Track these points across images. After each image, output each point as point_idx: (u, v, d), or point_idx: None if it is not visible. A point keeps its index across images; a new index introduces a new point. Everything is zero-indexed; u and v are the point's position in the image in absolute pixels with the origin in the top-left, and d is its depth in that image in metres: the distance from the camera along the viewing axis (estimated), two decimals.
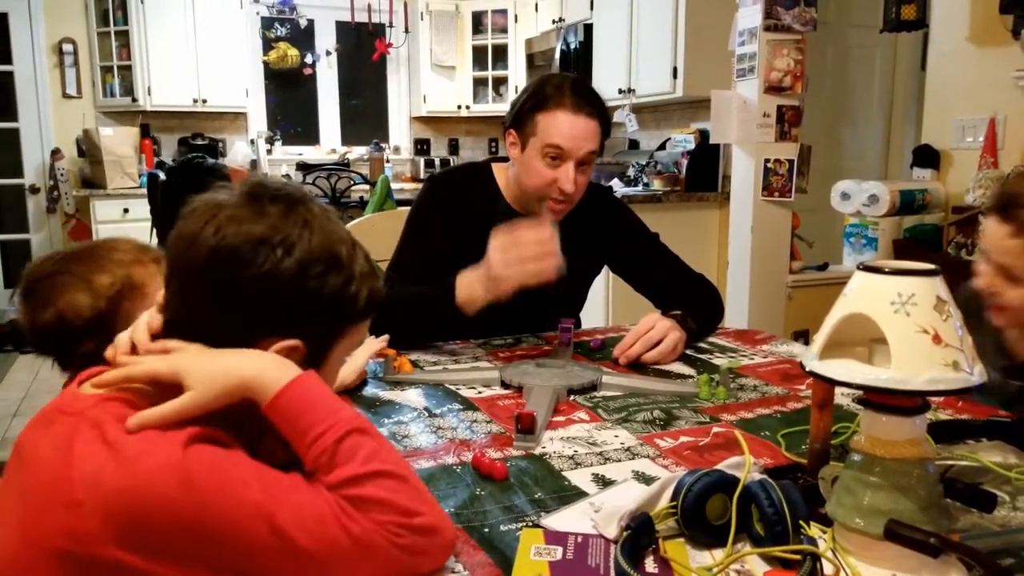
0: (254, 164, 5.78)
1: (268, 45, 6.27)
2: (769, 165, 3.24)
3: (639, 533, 0.75)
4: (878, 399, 0.71)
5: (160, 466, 0.65)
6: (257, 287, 0.75)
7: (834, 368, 0.71)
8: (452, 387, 1.32)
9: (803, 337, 3.24)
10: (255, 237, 0.75)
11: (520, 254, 1.37)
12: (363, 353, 1.33)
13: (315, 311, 0.78)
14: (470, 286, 1.45)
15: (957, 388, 0.67)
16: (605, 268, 1.85)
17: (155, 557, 0.64)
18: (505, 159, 1.72)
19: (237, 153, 5.78)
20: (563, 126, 1.52)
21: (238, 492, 0.66)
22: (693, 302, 1.62)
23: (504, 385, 1.32)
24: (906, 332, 0.67)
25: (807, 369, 0.73)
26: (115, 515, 0.64)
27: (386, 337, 1.41)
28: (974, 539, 0.78)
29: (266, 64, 6.26)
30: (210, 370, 0.74)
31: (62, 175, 5.39)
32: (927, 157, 3.30)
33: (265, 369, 0.75)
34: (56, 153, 5.41)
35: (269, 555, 0.66)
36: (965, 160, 3.15)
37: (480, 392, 1.30)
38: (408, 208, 1.77)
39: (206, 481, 0.66)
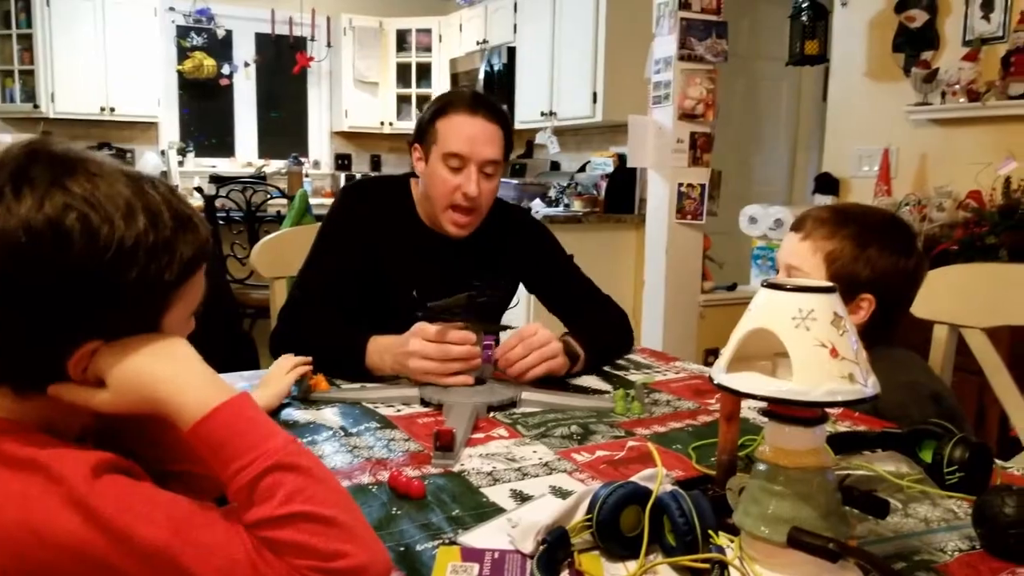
0: (164, 175, 5.60)
1: (183, 54, 6.10)
2: (682, 189, 3.35)
3: (555, 547, 0.76)
4: (781, 410, 0.75)
5: (63, 504, 0.60)
6: (24, 300, 0.63)
7: (740, 381, 0.74)
8: (370, 405, 1.30)
9: (714, 355, 3.34)
10: (13, 238, 0.62)
11: (442, 367, 1.34)
12: (287, 379, 1.29)
13: (113, 308, 0.66)
14: (380, 356, 1.42)
15: (853, 399, 0.70)
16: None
17: None
18: None
19: (147, 164, 5.59)
20: (462, 128, 1.54)
21: (145, 530, 0.61)
22: (600, 327, 1.64)
23: (423, 403, 1.31)
24: (806, 346, 0.71)
25: (715, 382, 0.76)
26: (7, 557, 0.59)
27: (307, 360, 1.36)
28: (870, 544, 0.82)
29: (180, 74, 6.09)
30: (129, 373, 0.68)
31: None
32: (828, 184, 3.48)
33: (189, 388, 0.68)
34: None
35: None
36: (862, 188, 3.34)
37: (399, 410, 1.29)
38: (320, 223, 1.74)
39: (112, 519, 0.60)
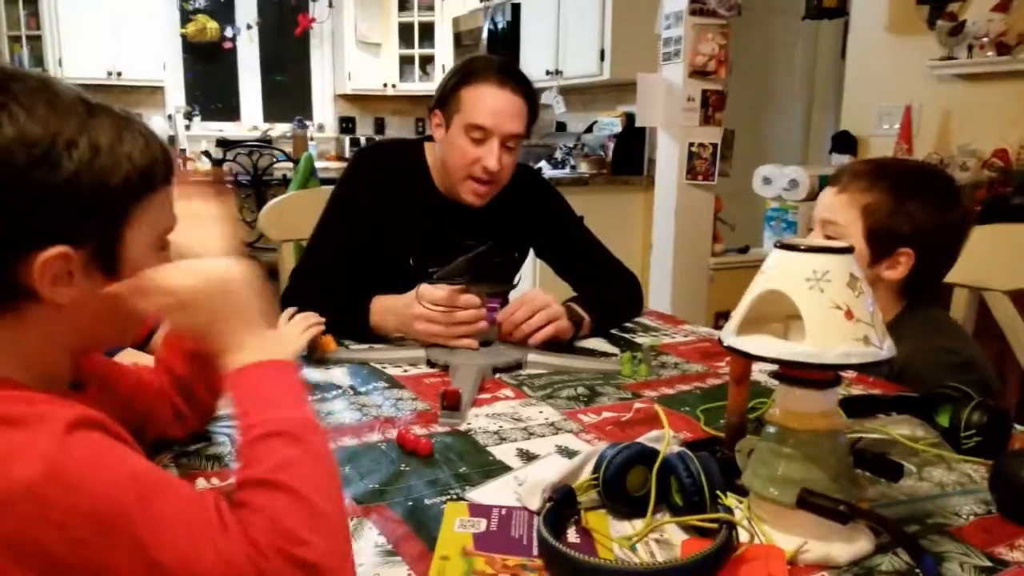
0: (172, 140, 5.57)
1: (186, 17, 6.03)
2: (693, 149, 3.30)
3: (561, 505, 0.76)
4: (792, 373, 0.73)
5: (28, 455, 0.57)
6: None
7: (751, 343, 0.72)
8: (377, 365, 1.30)
9: (724, 318, 3.32)
10: None
11: (448, 331, 1.34)
12: (301, 339, 1.28)
13: (59, 204, 0.64)
14: (383, 316, 1.42)
15: (868, 362, 0.69)
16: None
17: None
18: None
19: (154, 128, 5.55)
20: (487, 101, 1.49)
21: (105, 491, 0.58)
22: (608, 291, 1.62)
23: (430, 364, 1.31)
24: (820, 308, 0.69)
25: (725, 344, 0.74)
26: None
27: (321, 320, 1.34)
28: (882, 507, 0.81)
29: (184, 37, 6.03)
30: (202, 295, 0.70)
31: None
32: (846, 143, 3.42)
33: (248, 336, 0.71)
34: None
35: (124, 562, 0.57)
36: (882, 146, 3.27)
37: (406, 371, 1.28)
38: (332, 187, 1.72)
39: (72, 474, 0.57)
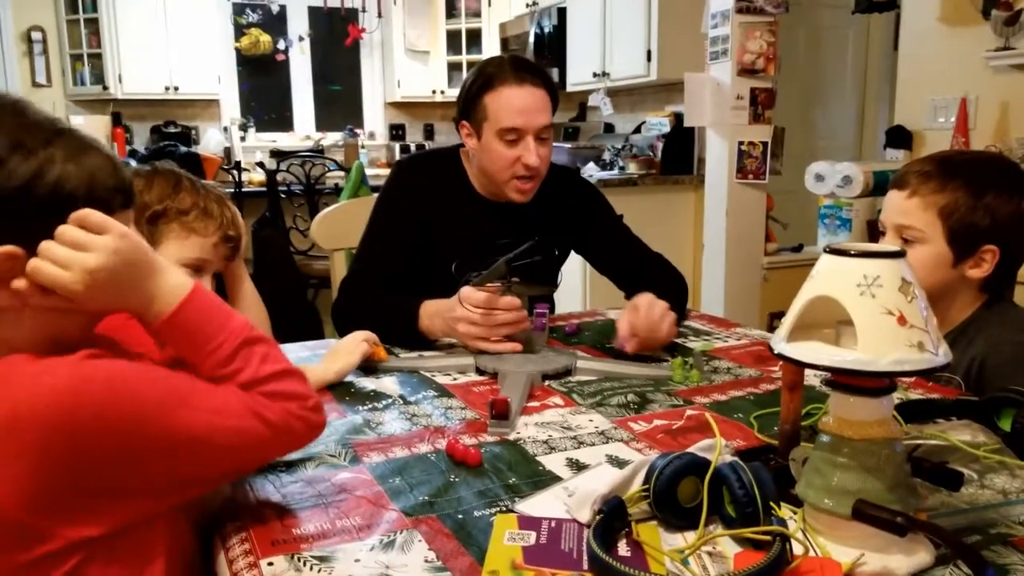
0: (227, 151, 5.71)
1: (240, 31, 6.18)
2: (743, 147, 3.25)
3: (612, 517, 0.75)
4: (845, 380, 0.72)
5: (56, 392, 0.68)
6: None
7: (801, 350, 0.71)
8: (427, 374, 1.31)
9: (779, 318, 3.26)
10: None
11: (489, 332, 1.36)
12: (355, 355, 1.30)
13: (13, 206, 0.69)
14: (431, 320, 1.45)
15: (922, 369, 0.67)
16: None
17: (62, 489, 0.68)
18: None
19: (210, 141, 5.71)
20: (512, 102, 1.52)
21: (151, 405, 0.72)
22: (659, 286, 1.62)
23: (479, 371, 1.32)
24: (872, 314, 0.67)
25: (775, 352, 0.74)
26: (19, 453, 0.66)
27: (374, 338, 1.36)
28: (941, 517, 0.79)
29: (238, 51, 6.18)
30: (104, 272, 0.72)
31: None
32: (900, 137, 3.33)
33: (162, 287, 0.77)
34: None
35: (191, 458, 0.74)
36: (937, 140, 3.18)
37: (455, 379, 1.29)
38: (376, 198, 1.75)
39: (115, 393, 0.70)
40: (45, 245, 0.71)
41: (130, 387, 0.71)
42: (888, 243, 1.30)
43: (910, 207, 1.27)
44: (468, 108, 1.58)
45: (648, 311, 1.37)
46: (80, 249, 0.71)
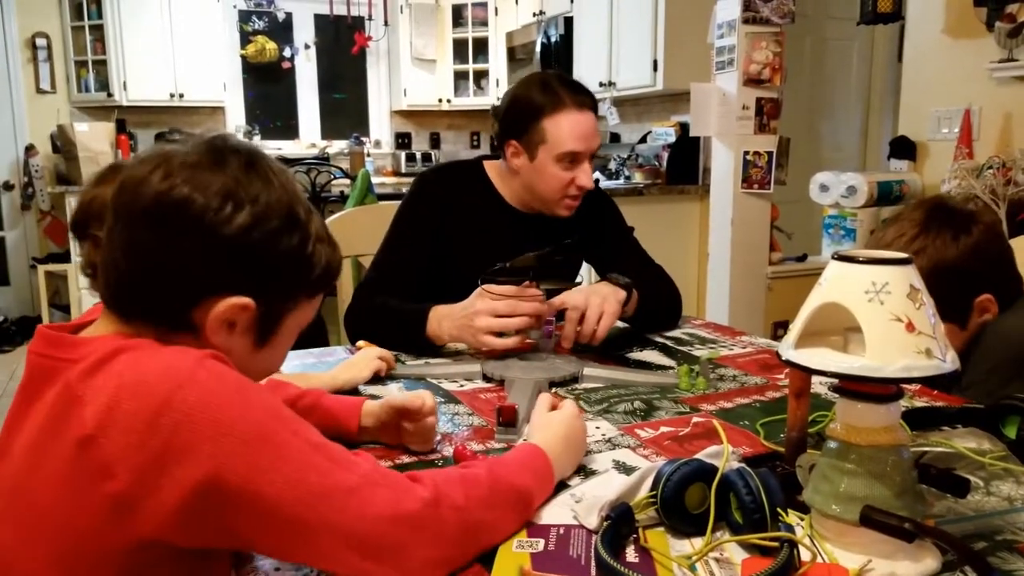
0: None
1: (246, 39, 6.22)
2: (748, 157, 3.26)
3: (619, 523, 0.76)
4: (853, 387, 0.72)
5: (174, 386, 0.65)
6: (204, 239, 0.71)
7: (809, 357, 0.71)
8: (434, 380, 1.32)
9: (783, 328, 3.26)
10: (210, 188, 0.71)
11: (510, 323, 1.36)
12: (367, 369, 1.30)
13: (267, 269, 0.75)
14: (439, 323, 1.45)
15: (930, 375, 0.67)
16: None
17: (160, 478, 0.64)
18: (494, 156, 1.72)
19: None
20: (575, 128, 1.54)
21: (256, 412, 0.68)
22: (645, 293, 1.61)
23: (486, 378, 1.32)
24: (880, 320, 0.68)
25: (783, 358, 0.74)
26: (130, 442, 0.64)
27: (388, 355, 1.37)
28: (948, 524, 0.79)
29: (244, 58, 6.21)
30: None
31: (37, 171, 5.32)
32: (904, 148, 3.33)
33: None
34: (30, 149, 5.34)
35: (278, 479, 0.66)
36: (941, 151, 3.19)
37: (462, 385, 1.30)
38: (389, 203, 1.76)
39: (225, 394, 0.67)
40: None
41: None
42: None
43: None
44: (521, 129, 1.57)
45: (583, 296, 1.43)
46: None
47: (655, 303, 1.63)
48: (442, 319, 1.44)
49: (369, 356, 1.33)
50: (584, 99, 1.56)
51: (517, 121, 1.58)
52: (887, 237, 1.33)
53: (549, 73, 1.66)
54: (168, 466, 0.63)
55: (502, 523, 0.76)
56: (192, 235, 0.71)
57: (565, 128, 1.53)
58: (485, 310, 1.37)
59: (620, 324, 1.66)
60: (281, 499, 0.65)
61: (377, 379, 1.32)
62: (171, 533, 0.65)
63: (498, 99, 6.08)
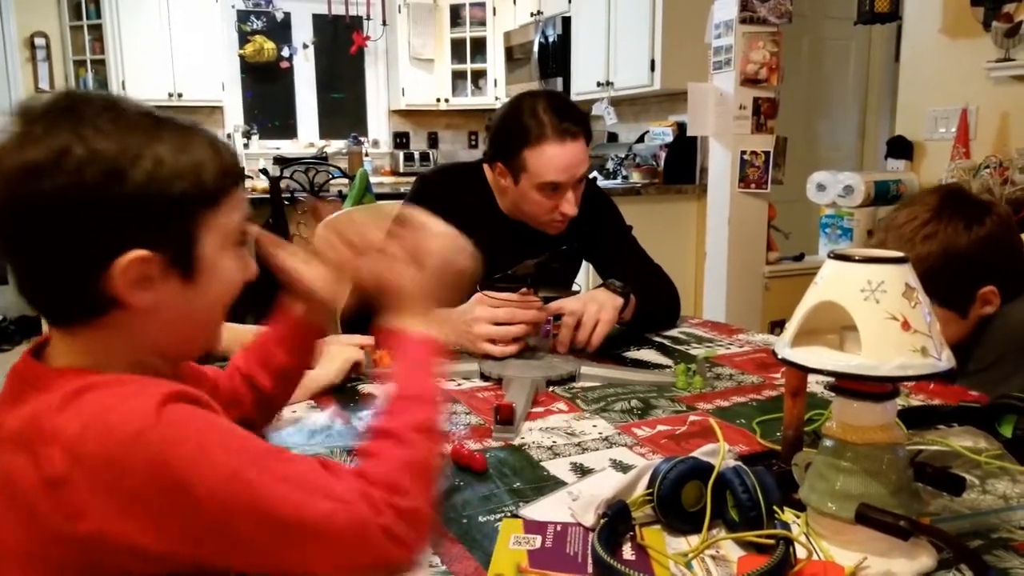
0: None
1: (244, 38, 6.21)
2: (746, 157, 3.26)
3: (616, 521, 0.76)
4: (849, 385, 0.72)
5: (138, 435, 0.62)
6: (56, 216, 0.66)
7: (805, 355, 0.72)
8: None
9: (780, 327, 3.27)
10: (19, 169, 0.65)
11: (507, 331, 1.36)
12: (344, 356, 1.31)
13: (133, 213, 0.68)
14: (439, 328, 1.44)
15: (926, 373, 0.68)
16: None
17: (132, 526, 0.62)
18: None
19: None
20: (555, 161, 1.51)
21: (220, 457, 0.63)
22: (643, 293, 1.61)
23: (483, 377, 1.32)
24: (876, 319, 0.68)
25: (779, 356, 0.74)
26: (98, 487, 0.62)
27: (369, 341, 1.38)
28: (944, 522, 0.79)
29: (242, 58, 6.21)
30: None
31: None
32: (901, 148, 3.34)
33: (424, 314, 0.86)
34: None
35: (242, 524, 0.63)
36: (938, 151, 3.19)
37: (460, 384, 1.30)
38: (388, 203, 1.76)
39: (188, 445, 0.63)
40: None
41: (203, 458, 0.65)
42: None
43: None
44: (504, 153, 1.57)
45: (578, 304, 1.43)
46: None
47: (654, 304, 1.63)
48: (442, 323, 1.44)
49: (344, 347, 1.32)
50: (569, 127, 1.51)
51: (502, 145, 1.58)
52: (899, 219, 1.32)
53: (541, 95, 1.60)
54: (136, 512, 0.62)
55: (431, 456, 0.72)
56: (42, 218, 0.67)
57: (545, 159, 1.51)
58: (484, 317, 1.37)
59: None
60: (255, 538, 0.63)
61: (375, 378, 1.32)
62: (142, 566, 0.64)
63: (496, 99, 6.11)
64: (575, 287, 1.69)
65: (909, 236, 1.30)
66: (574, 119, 1.54)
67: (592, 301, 1.45)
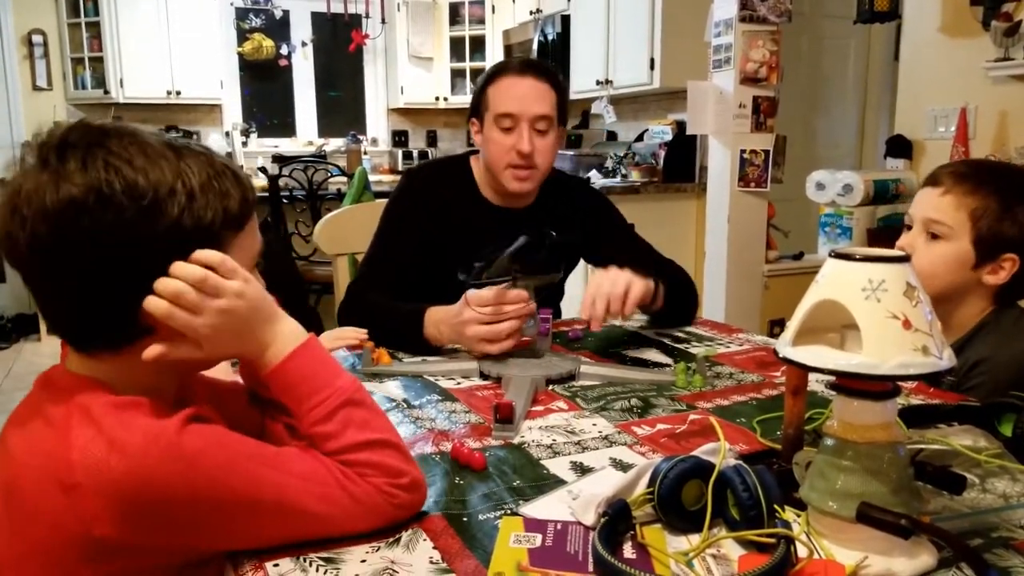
0: (229, 156, 5.71)
1: (242, 36, 6.20)
2: (745, 155, 3.26)
3: (616, 519, 0.76)
4: (850, 384, 0.72)
5: (162, 457, 0.67)
6: (96, 250, 0.69)
7: (806, 354, 0.72)
8: (431, 378, 1.32)
9: (779, 326, 3.27)
10: (62, 206, 0.68)
11: (497, 328, 1.35)
12: (341, 340, 1.32)
13: (169, 245, 0.72)
14: (437, 328, 1.44)
15: (927, 372, 0.68)
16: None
17: (152, 535, 0.69)
18: None
19: (212, 146, 5.71)
20: (510, 90, 1.57)
21: (243, 467, 0.71)
22: (669, 285, 1.62)
23: (483, 376, 1.32)
24: (877, 318, 0.68)
25: (780, 355, 0.74)
26: (118, 502, 0.66)
27: (362, 334, 1.41)
28: (944, 521, 0.79)
29: (241, 55, 6.20)
30: (223, 324, 0.75)
31: None
32: (900, 147, 3.34)
33: (278, 334, 0.79)
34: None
35: (276, 522, 0.72)
36: (938, 150, 3.19)
37: (459, 383, 1.30)
38: (386, 201, 1.76)
39: (210, 460, 0.69)
40: (177, 289, 0.71)
41: (232, 471, 0.71)
42: (913, 237, 1.34)
43: (943, 204, 1.30)
44: (476, 103, 1.64)
45: (604, 274, 1.40)
46: (212, 295, 0.73)
47: (683, 291, 1.64)
48: (439, 324, 1.44)
49: (335, 333, 1.35)
50: (527, 67, 1.58)
51: (474, 97, 1.64)
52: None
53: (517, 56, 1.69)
54: (154, 528, 0.69)
55: (391, 432, 0.82)
56: (86, 255, 0.69)
57: (502, 89, 1.58)
58: (473, 319, 1.36)
59: (632, 325, 1.66)
60: (280, 529, 0.74)
61: (373, 377, 1.32)
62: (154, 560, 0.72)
63: None
64: (561, 268, 1.68)
65: (1006, 170, 1.35)
66: (538, 66, 1.61)
67: (619, 274, 1.41)
